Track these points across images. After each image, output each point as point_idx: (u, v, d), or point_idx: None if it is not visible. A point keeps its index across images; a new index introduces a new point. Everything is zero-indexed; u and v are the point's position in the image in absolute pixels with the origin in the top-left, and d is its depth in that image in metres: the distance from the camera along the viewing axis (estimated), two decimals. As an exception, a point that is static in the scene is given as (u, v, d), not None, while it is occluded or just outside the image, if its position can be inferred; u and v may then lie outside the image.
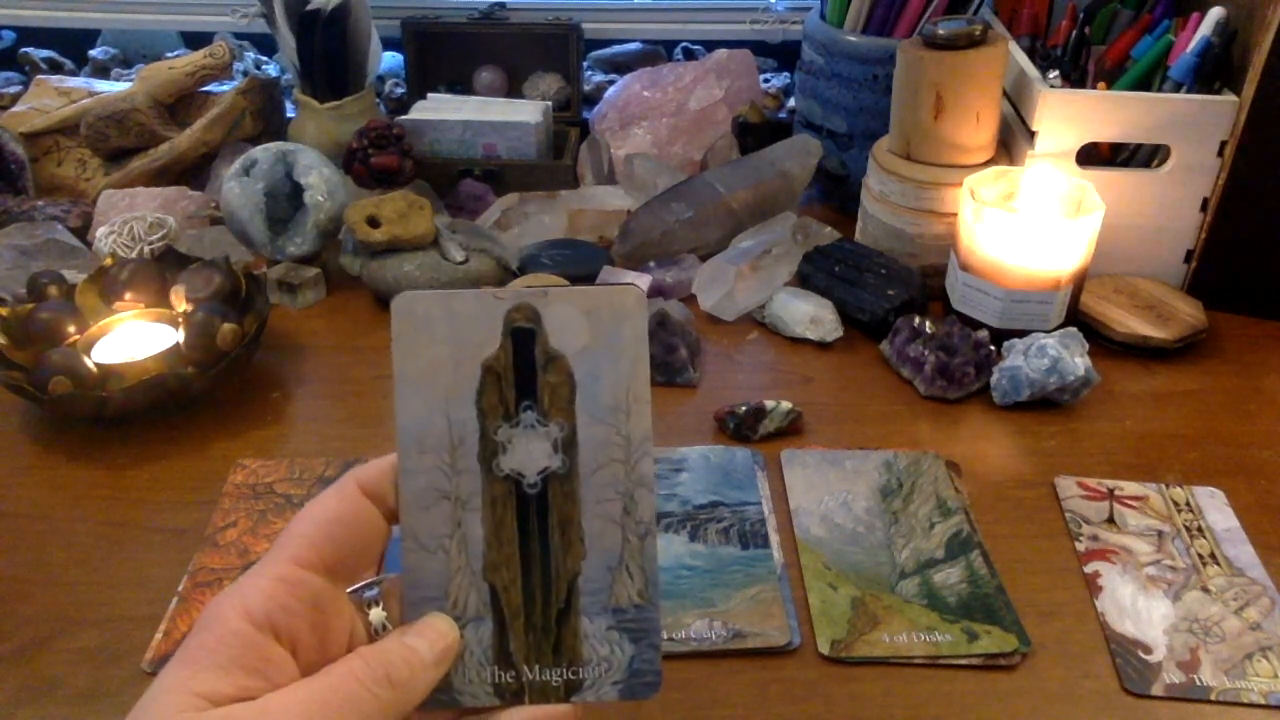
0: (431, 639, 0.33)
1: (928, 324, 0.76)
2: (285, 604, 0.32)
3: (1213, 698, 0.51)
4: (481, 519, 0.35)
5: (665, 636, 0.54)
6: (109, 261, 0.77)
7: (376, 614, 0.35)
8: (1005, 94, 0.85)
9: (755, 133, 1.03)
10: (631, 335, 0.34)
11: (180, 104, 1.05)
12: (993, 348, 0.74)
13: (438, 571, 0.35)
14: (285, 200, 0.87)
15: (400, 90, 1.18)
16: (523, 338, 0.34)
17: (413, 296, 0.34)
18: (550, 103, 1.07)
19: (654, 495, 0.35)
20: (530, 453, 0.34)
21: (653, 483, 0.35)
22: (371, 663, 0.31)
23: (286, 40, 1.00)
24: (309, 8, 0.97)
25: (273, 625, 0.31)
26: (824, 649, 0.54)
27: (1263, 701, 0.51)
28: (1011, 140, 0.85)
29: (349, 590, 0.35)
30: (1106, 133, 0.80)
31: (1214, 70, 0.79)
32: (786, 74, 1.22)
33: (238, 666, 0.30)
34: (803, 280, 0.85)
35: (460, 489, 0.34)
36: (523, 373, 0.34)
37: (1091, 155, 0.83)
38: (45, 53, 1.22)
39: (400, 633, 0.34)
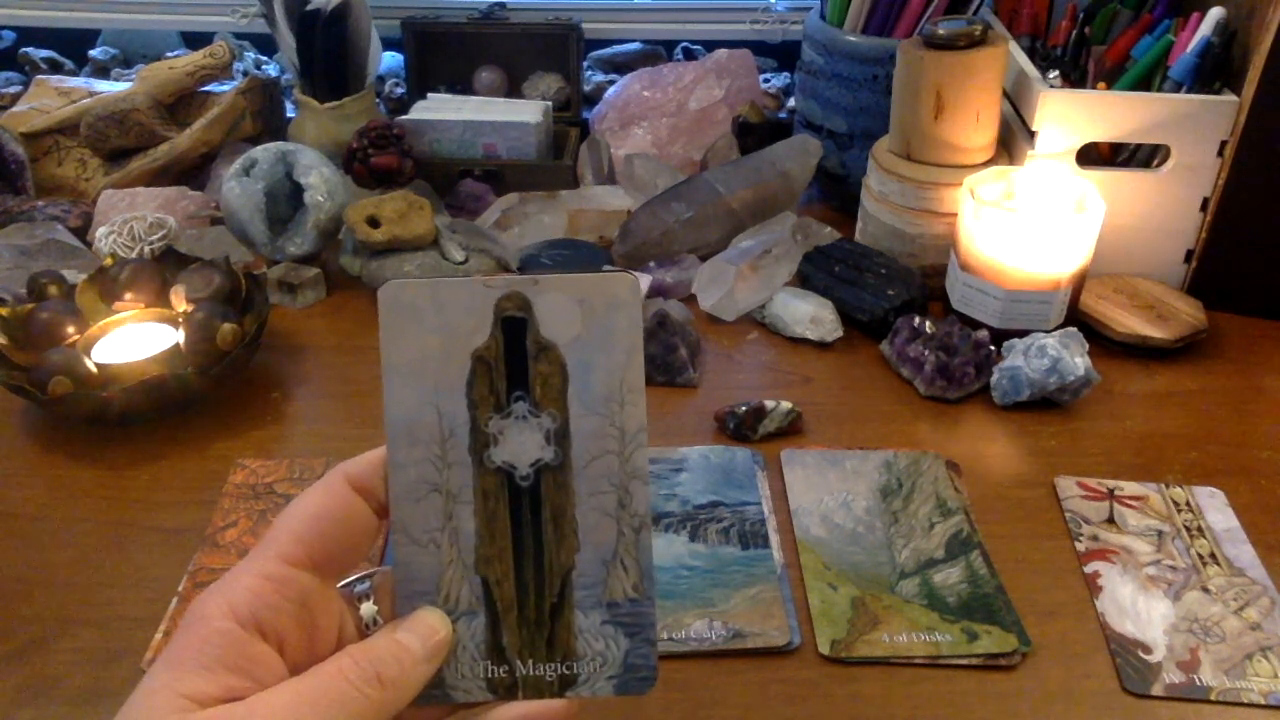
0: (423, 634, 0.33)
1: (928, 324, 0.75)
2: (271, 602, 0.31)
3: (1213, 698, 0.51)
4: (473, 512, 0.34)
5: (665, 636, 0.54)
6: (109, 261, 0.77)
7: (367, 608, 0.35)
8: (1005, 94, 0.85)
9: (755, 133, 1.03)
10: (625, 324, 0.34)
11: (180, 104, 1.05)
12: (993, 348, 0.74)
13: (429, 565, 0.34)
14: (285, 200, 0.87)
15: (400, 90, 1.18)
16: (514, 327, 0.34)
17: (400, 285, 0.34)
18: (550, 103, 1.07)
19: (649, 488, 0.34)
20: (522, 444, 0.34)
21: (647, 475, 0.34)
22: (361, 661, 0.31)
23: (286, 40, 1.00)
24: (309, 8, 0.97)
25: (259, 623, 0.31)
26: (824, 649, 0.54)
27: (1263, 701, 0.51)
28: (1011, 140, 0.85)
29: (340, 584, 0.35)
30: (1106, 133, 0.79)
31: (1214, 70, 0.79)
32: (786, 74, 1.22)
33: (223, 666, 0.30)
34: (803, 280, 0.85)
35: (451, 481, 0.34)
36: (514, 363, 0.34)
37: (1091, 155, 0.83)
38: (45, 53, 1.23)
39: (391, 628, 0.33)
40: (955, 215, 0.79)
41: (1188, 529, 0.62)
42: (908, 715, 0.51)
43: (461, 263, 0.82)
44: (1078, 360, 0.71)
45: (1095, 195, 0.74)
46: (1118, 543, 0.61)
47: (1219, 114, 0.78)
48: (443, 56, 1.13)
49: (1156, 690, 0.52)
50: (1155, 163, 0.82)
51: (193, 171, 1.02)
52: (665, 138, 1.06)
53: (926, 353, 0.74)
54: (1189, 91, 0.79)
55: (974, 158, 0.81)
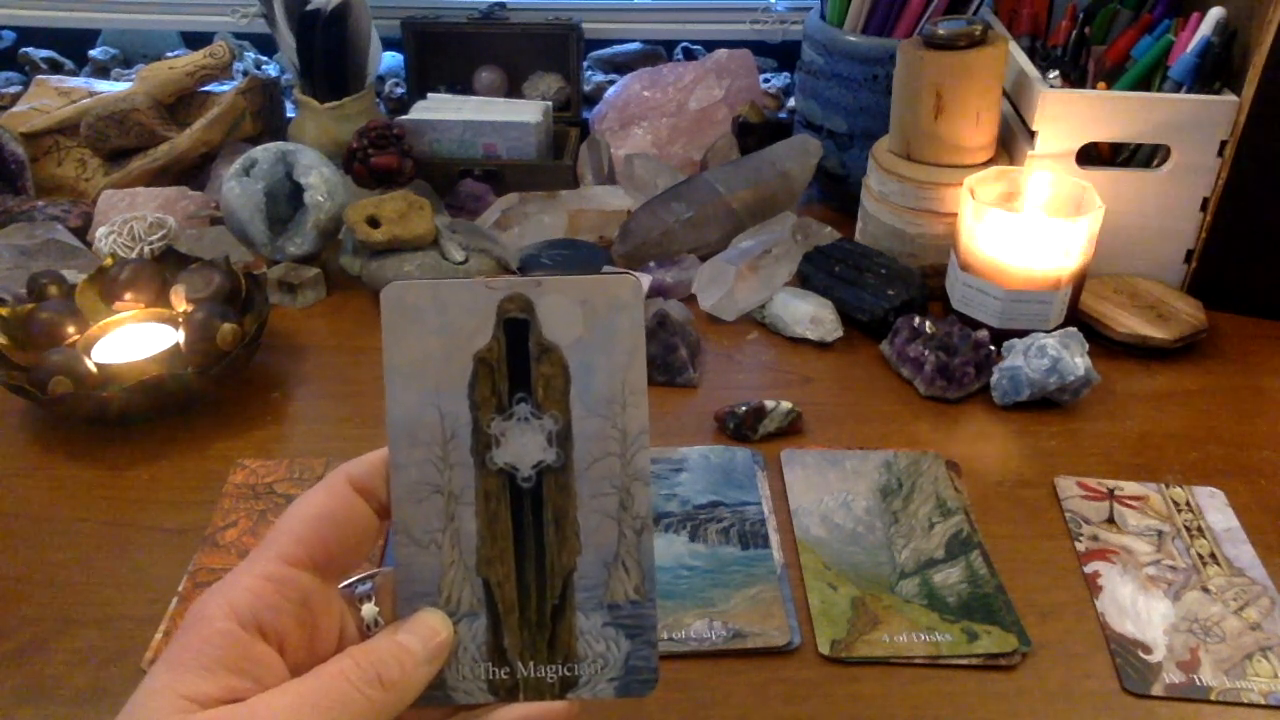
0: (424, 636, 0.33)
1: (928, 324, 0.75)
2: (272, 603, 0.31)
3: (1212, 698, 0.51)
4: (475, 513, 0.34)
5: (665, 636, 0.54)
6: (109, 261, 0.77)
7: (369, 609, 0.35)
8: (1005, 94, 0.85)
9: (755, 133, 1.03)
10: (628, 326, 0.34)
11: (180, 104, 1.05)
12: (993, 348, 0.74)
13: (431, 566, 0.34)
14: (285, 200, 0.87)
15: (400, 90, 1.18)
16: (516, 329, 0.34)
17: (402, 286, 0.34)
18: (550, 103, 1.07)
19: (650, 489, 0.34)
20: (524, 446, 0.34)
21: (649, 477, 0.34)
22: (362, 663, 0.31)
23: (286, 40, 1.00)
24: (309, 8, 0.97)
25: (259, 624, 0.31)
26: (824, 649, 0.54)
27: (1262, 701, 0.51)
28: (1011, 140, 0.85)
29: (341, 585, 0.35)
30: (1106, 133, 0.79)
31: (1214, 70, 0.79)
32: (786, 74, 1.22)
33: (223, 667, 0.30)
34: (803, 280, 0.85)
35: (453, 483, 0.34)
36: (516, 364, 0.34)
37: (1091, 155, 0.83)
38: (45, 53, 1.23)
39: (392, 630, 0.33)
40: (955, 215, 0.79)
41: (1188, 529, 0.62)
42: (908, 715, 0.51)
43: (461, 263, 0.82)
44: (1078, 360, 0.71)
45: (1095, 195, 0.74)
46: (1118, 543, 0.61)
47: (1219, 114, 0.78)
48: (443, 56, 1.13)
49: (1156, 690, 0.52)
50: (1155, 163, 0.82)
51: (193, 171, 1.02)
52: (665, 138, 1.06)
53: (926, 353, 0.74)
54: (1189, 91, 0.79)
55: (974, 158, 0.81)
